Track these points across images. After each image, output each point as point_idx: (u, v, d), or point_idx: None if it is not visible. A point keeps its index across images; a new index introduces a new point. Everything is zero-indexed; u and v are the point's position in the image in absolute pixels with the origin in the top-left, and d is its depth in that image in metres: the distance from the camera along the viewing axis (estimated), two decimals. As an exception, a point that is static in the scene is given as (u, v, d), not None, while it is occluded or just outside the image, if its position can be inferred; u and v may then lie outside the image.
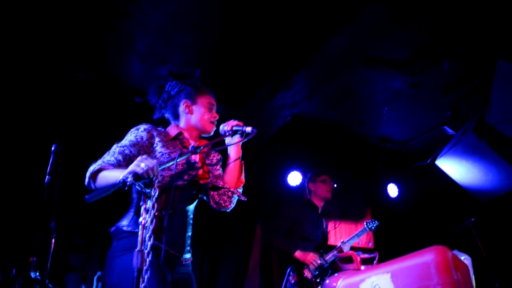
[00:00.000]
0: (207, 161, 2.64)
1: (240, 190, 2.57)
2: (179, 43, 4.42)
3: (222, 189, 2.52)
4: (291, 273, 2.91)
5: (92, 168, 2.17)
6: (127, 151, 2.28)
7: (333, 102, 5.40)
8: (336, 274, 2.36)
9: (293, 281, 3.02)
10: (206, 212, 2.97)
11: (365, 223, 4.99)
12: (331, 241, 6.41)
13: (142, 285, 1.81)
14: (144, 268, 1.84)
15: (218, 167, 2.66)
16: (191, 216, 2.51)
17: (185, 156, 2.25)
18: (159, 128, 2.53)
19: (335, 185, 4.86)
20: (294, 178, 6.23)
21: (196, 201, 2.55)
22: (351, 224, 6.77)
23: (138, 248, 1.85)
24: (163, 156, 2.33)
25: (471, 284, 1.79)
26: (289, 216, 4.58)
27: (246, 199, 2.58)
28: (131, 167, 1.92)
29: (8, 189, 4.49)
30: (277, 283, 5.33)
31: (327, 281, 2.12)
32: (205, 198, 2.61)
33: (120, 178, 1.87)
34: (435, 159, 5.81)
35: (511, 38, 3.92)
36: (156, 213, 2.27)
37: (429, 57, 4.37)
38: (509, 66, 3.79)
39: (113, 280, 2.20)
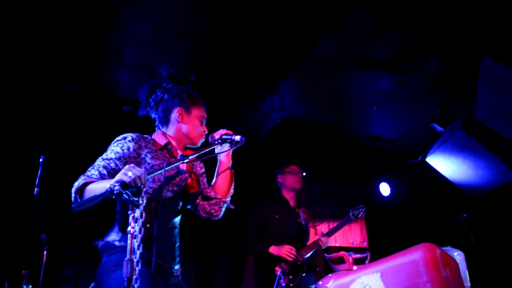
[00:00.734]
0: (194, 170, 2.64)
1: (229, 199, 2.57)
2: (166, 53, 4.43)
3: (214, 199, 2.52)
4: (281, 276, 2.89)
5: (76, 184, 2.14)
6: (112, 165, 2.24)
7: (321, 104, 5.41)
8: (329, 275, 2.35)
9: (283, 284, 3.00)
10: (199, 219, 2.97)
11: (350, 211, 4.61)
12: (331, 243, 6.41)
13: (135, 293, 1.80)
14: (134, 277, 1.83)
15: (203, 176, 2.66)
16: (178, 227, 2.51)
17: (173, 165, 2.24)
18: (145, 136, 2.51)
19: (304, 174, 4.66)
20: (286, 181, 6.20)
21: (183, 212, 2.55)
22: (345, 225, 6.76)
23: (127, 257, 1.84)
24: (153, 168, 2.30)
25: (460, 280, 1.80)
26: (256, 215, 4.40)
27: (234, 207, 2.59)
28: (118, 175, 1.91)
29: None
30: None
31: (320, 283, 2.12)
32: (191, 208, 2.60)
33: (107, 187, 1.86)
34: (425, 156, 5.85)
35: (495, 35, 3.96)
36: (148, 225, 2.29)
37: (415, 56, 4.40)
38: (494, 62, 3.83)
39: None
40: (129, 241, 1.87)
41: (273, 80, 4.45)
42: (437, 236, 5.94)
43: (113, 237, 2.29)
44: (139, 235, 1.89)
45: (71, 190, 2.15)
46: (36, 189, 3.21)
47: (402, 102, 5.55)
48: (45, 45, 4.23)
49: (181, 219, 2.55)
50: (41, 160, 3.28)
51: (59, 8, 3.78)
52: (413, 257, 1.67)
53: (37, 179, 3.24)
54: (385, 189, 6.74)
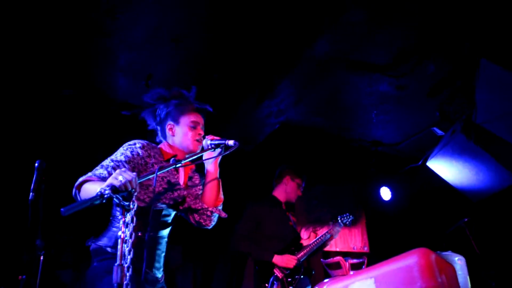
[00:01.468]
0: (190, 183, 2.63)
1: (220, 208, 2.54)
2: (161, 56, 4.42)
3: (201, 210, 2.50)
4: (274, 282, 2.84)
5: (80, 179, 2.15)
6: (121, 167, 2.24)
7: (320, 108, 5.38)
8: (324, 281, 2.32)
9: None
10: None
11: (338, 218, 4.67)
12: (328, 247, 6.37)
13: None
14: (125, 282, 1.81)
15: (199, 187, 2.64)
16: (167, 237, 2.52)
17: (166, 170, 2.23)
18: (153, 145, 2.52)
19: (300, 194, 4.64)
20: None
21: (173, 223, 2.54)
22: (345, 229, 6.73)
23: (117, 263, 1.82)
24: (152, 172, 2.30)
25: (457, 286, 1.77)
26: (250, 217, 4.32)
27: (226, 216, 2.56)
28: (109, 179, 1.88)
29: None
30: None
31: (315, 288, 2.11)
32: (184, 216, 2.59)
33: (98, 191, 1.84)
34: (426, 160, 5.81)
35: (493, 38, 3.93)
36: (139, 233, 2.28)
37: (413, 59, 4.37)
38: (492, 65, 3.79)
39: None
40: (119, 246, 1.85)
41: (270, 84, 4.43)
42: (438, 240, 5.90)
43: (105, 241, 2.28)
44: (129, 240, 1.86)
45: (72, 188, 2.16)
46: (31, 193, 3.19)
47: (401, 106, 5.53)
48: (41, 51, 4.24)
49: (171, 230, 2.55)
50: (36, 164, 3.26)
51: (54, 13, 3.78)
52: (408, 262, 1.63)
53: (32, 184, 3.21)
54: (386, 193, 6.71)
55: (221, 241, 5.93)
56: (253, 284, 4.16)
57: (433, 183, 5.93)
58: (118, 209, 2.32)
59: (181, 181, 2.53)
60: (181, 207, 2.51)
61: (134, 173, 1.92)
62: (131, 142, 2.41)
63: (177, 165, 2.20)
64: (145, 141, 2.44)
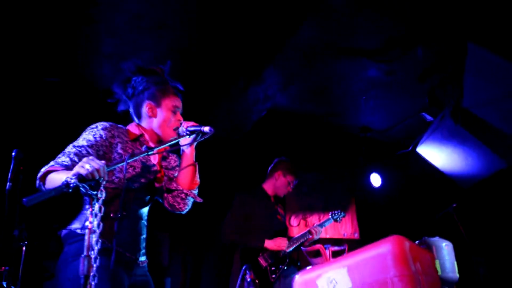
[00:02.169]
0: (165, 163, 2.56)
1: (195, 192, 2.48)
2: (145, 43, 4.35)
3: (175, 191, 2.44)
4: (247, 271, 2.81)
5: (43, 169, 2.08)
6: (84, 152, 2.17)
7: (308, 94, 5.33)
8: (304, 269, 2.27)
9: (249, 279, 2.92)
10: (186, 215, 2.88)
11: (330, 214, 4.81)
12: (322, 235, 6.36)
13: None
14: (91, 274, 1.75)
15: (175, 170, 2.57)
16: (146, 218, 2.46)
17: (136, 158, 2.17)
18: (119, 126, 2.43)
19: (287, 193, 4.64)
20: (275, 173, 6.14)
21: (150, 203, 2.48)
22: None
23: (84, 253, 1.76)
24: (122, 159, 2.23)
25: (434, 274, 1.72)
26: (239, 209, 4.29)
27: (202, 201, 2.50)
28: (76, 168, 1.82)
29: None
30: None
31: (296, 276, 2.04)
32: (160, 200, 2.53)
33: (63, 179, 1.78)
34: (416, 146, 5.77)
35: (481, 21, 3.86)
36: (111, 215, 2.23)
37: (402, 44, 4.30)
38: (480, 49, 3.73)
39: (69, 285, 2.11)
40: (86, 237, 1.79)
41: (255, 70, 4.35)
42: (427, 226, 5.89)
43: (76, 225, 2.23)
44: (97, 230, 1.80)
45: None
46: (8, 183, 3.14)
47: (391, 92, 5.48)
48: (24, 37, 4.14)
49: (149, 211, 2.48)
50: (13, 154, 3.20)
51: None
52: (381, 250, 1.58)
53: (9, 173, 3.16)
54: (376, 180, 6.67)
55: (211, 230, 5.91)
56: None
57: (423, 169, 5.90)
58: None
59: (154, 161, 2.46)
60: (157, 185, 2.44)
61: (103, 162, 1.86)
62: (93, 125, 2.32)
63: (149, 153, 2.13)
64: (108, 122, 2.36)
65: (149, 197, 2.44)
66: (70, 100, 4.85)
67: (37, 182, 2.07)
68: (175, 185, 2.44)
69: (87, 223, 1.80)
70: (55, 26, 4.07)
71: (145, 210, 2.45)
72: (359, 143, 6.42)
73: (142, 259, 2.39)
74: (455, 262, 4.47)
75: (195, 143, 2.43)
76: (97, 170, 1.81)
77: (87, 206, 1.83)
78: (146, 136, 2.46)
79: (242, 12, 3.89)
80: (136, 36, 4.23)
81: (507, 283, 5.57)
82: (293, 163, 4.68)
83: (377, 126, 6.21)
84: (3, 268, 3.87)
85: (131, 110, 2.53)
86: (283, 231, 4.34)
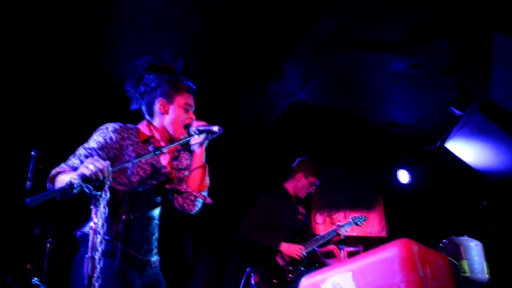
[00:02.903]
0: (176, 163, 2.55)
1: (205, 193, 2.45)
2: (166, 42, 4.34)
3: (185, 193, 2.42)
4: (251, 274, 2.76)
5: (53, 171, 2.10)
6: (94, 154, 2.18)
7: (331, 88, 5.23)
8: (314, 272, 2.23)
9: (253, 282, 2.87)
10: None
11: (350, 218, 4.75)
12: (348, 233, 6.26)
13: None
14: (95, 275, 1.75)
15: (187, 170, 2.55)
16: (158, 218, 2.46)
17: (143, 158, 2.16)
18: (129, 126, 2.42)
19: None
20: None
21: (163, 204, 2.47)
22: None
23: (89, 254, 1.76)
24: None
25: (444, 279, 1.64)
26: (261, 207, 4.25)
27: (212, 202, 2.47)
28: (80, 169, 1.82)
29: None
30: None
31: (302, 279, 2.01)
32: (170, 198, 2.52)
33: (67, 180, 1.78)
34: (444, 141, 5.60)
35: (508, 10, 3.67)
36: (124, 216, 2.23)
37: (425, 36, 4.15)
38: (507, 39, 3.55)
39: (82, 286, 2.12)
40: (90, 238, 1.79)
41: (274, 65, 4.29)
42: (457, 224, 5.70)
43: (87, 228, 2.24)
44: (101, 231, 1.80)
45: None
46: (28, 182, 3.20)
47: (417, 85, 5.31)
48: (48, 38, 4.21)
49: (161, 212, 2.48)
50: (32, 153, 3.26)
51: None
52: (388, 254, 1.51)
53: (29, 173, 3.22)
54: (403, 176, 6.52)
55: (234, 226, 5.90)
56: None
57: (452, 165, 5.72)
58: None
59: (165, 162, 2.45)
60: (168, 186, 2.43)
61: (107, 162, 1.85)
62: (103, 127, 2.32)
63: (156, 153, 2.11)
64: (119, 123, 2.35)
65: (160, 198, 2.45)
66: (94, 99, 4.90)
67: (47, 183, 2.08)
68: (184, 186, 2.42)
69: (91, 224, 1.80)
70: (78, 26, 4.11)
71: (157, 211, 2.45)
72: (386, 138, 6.28)
73: (154, 259, 2.40)
74: (485, 263, 4.29)
75: (205, 144, 2.41)
76: (101, 171, 1.80)
77: (92, 207, 1.84)
78: (157, 136, 2.46)
79: (261, 5, 3.83)
80: (157, 34, 4.23)
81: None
82: (316, 163, 4.58)
83: (404, 121, 6.05)
84: (29, 265, 3.98)
85: (143, 108, 2.52)
86: (302, 232, 4.29)
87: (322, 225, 6.38)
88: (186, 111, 2.48)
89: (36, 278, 4.00)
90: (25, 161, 3.34)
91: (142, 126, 2.47)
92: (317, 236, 4.39)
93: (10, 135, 4.53)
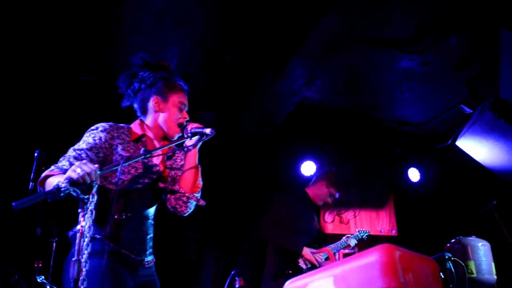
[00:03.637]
0: (170, 162, 2.54)
1: (198, 195, 2.44)
2: (170, 41, 4.34)
3: (178, 193, 2.41)
4: (236, 277, 2.74)
5: (43, 174, 2.11)
6: (83, 156, 2.19)
7: (339, 87, 5.17)
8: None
9: (237, 286, 2.85)
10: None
11: (357, 230, 4.87)
12: (352, 230, 6.23)
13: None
14: (81, 278, 1.76)
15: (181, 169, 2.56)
16: (152, 218, 2.46)
17: (133, 161, 2.16)
18: (120, 125, 2.43)
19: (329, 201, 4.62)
20: (308, 168, 6.07)
21: (157, 203, 2.47)
22: (372, 212, 6.53)
23: (75, 258, 1.77)
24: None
25: (431, 286, 1.60)
26: (284, 208, 4.31)
27: (204, 204, 2.46)
28: (68, 172, 1.83)
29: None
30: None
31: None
32: (164, 198, 2.52)
33: (55, 184, 1.79)
34: (455, 139, 5.51)
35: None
36: (116, 216, 2.24)
37: (433, 33, 4.07)
38: (514, 36, 3.45)
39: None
40: (77, 240, 1.80)
41: (279, 64, 4.25)
42: (467, 224, 5.60)
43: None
44: (88, 234, 1.81)
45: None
46: (31, 183, 3.24)
47: (427, 83, 5.23)
48: (56, 39, 4.25)
49: (155, 211, 2.48)
50: (36, 154, 3.30)
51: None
52: (368, 260, 1.48)
53: (32, 173, 3.26)
54: (414, 174, 6.44)
55: (242, 226, 5.91)
56: (274, 269, 4.15)
57: (464, 163, 5.62)
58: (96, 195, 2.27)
59: (157, 160, 2.45)
60: (161, 184, 2.44)
61: (96, 165, 1.86)
62: (93, 127, 2.32)
63: (147, 156, 2.12)
64: (109, 123, 2.35)
65: (154, 197, 2.44)
66: (101, 99, 4.95)
67: (38, 187, 2.09)
68: (177, 187, 2.42)
69: (78, 227, 1.81)
70: (85, 27, 4.14)
71: (151, 210, 2.45)
72: (396, 137, 6.21)
73: (149, 259, 2.40)
74: (493, 263, 4.20)
75: (198, 146, 2.40)
76: (89, 174, 1.81)
77: (79, 210, 1.86)
78: (150, 134, 2.46)
79: (266, 1, 3.81)
80: (159, 33, 4.24)
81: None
82: (341, 176, 4.69)
83: (414, 119, 5.97)
84: (36, 263, 4.05)
85: (136, 105, 2.52)
86: (317, 238, 4.34)
87: (331, 223, 6.34)
88: (180, 110, 2.48)
89: (42, 276, 4.07)
90: (30, 162, 3.40)
91: (134, 125, 2.48)
92: (330, 245, 4.47)
93: (16, 136, 4.61)
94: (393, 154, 6.31)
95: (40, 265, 4.09)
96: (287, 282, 1.75)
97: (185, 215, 2.46)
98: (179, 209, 2.43)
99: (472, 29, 4.15)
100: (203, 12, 4.01)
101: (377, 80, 5.12)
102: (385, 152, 6.46)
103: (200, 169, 2.44)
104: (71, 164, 2.11)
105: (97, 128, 2.31)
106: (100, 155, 2.24)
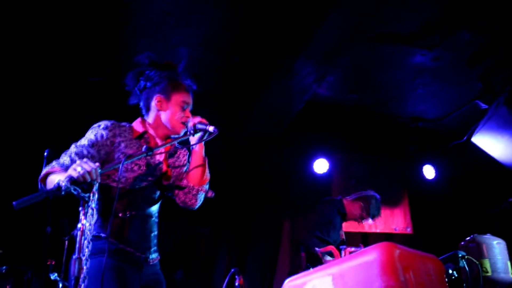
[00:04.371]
0: (173, 159, 2.54)
1: (206, 187, 2.44)
2: (176, 40, 4.34)
3: (186, 188, 2.42)
4: (236, 276, 2.72)
5: (44, 170, 2.12)
6: (85, 152, 2.20)
7: (350, 84, 5.12)
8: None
9: (237, 284, 2.83)
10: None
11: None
12: (366, 228, 6.16)
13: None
14: (82, 276, 1.77)
15: (185, 166, 2.55)
16: (156, 215, 2.45)
17: (135, 159, 2.16)
18: (122, 124, 2.44)
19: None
20: (320, 166, 6.03)
21: (161, 201, 2.47)
22: (387, 210, 6.44)
23: (75, 256, 1.78)
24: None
25: (433, 285, 1.56)
26: (321, 218, 4.39)
27: (213, 195, 2.46)
28: (69, 171, 1.84)
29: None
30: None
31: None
32: (172, 196, 2.52)
33: (55, 182, 1.80)
34: (471, 136, 5.42)
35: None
36: (120, 214, 2.25)
37: (443, 28, 4.00)
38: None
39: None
40: (78, 239, 1.81)
41: (287, 62, 4.22)
42: (483, 222, 5.50)
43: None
44: (88, 232, 1.81)
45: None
46: (40, 183, 3.26)
47: (440, 78, 5.14)
48: (67, 41, 4.29)
49: (159, 209, 2.48)
50: (45, 154, 3.33)
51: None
52: (367, 258, 1.45)
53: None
54: (429, 171, 6.34)
55: (254, 223, 5.90)
56: (288, 264, 4.17)
57: (479, 160, 5.52)
58: (100, 192, 2.27)
59: (160, 158, 2.45)
60: (164, 182, 2.44)
61: (96, 164, 1.86)
62: (95, 125, 2.33)
63: (149, 154, 2.11)
64: (111, 121, 2.35)
65: (158, 194, 2.43)
66: (111, 100, 4.99)
67: (39, 183, 2.10)
68: (185, 182, 2.42)
69: (79, 225, 1.81)
70: (94, 29, 4.18)
71: (155, 208, 2.44)
72: (410, 133, 6.12)
73: (153, 257, 2.39)
74: (509, 262, 4.10)
75: (202, 142, 2.40)
76: (89, 173, 1.81)
77: (80, 208, 1.86)
78: (151, 132, 2.46)
79: (269, 5, 3.79)
80: (164, 34, 4.25)
81: None
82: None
83: (428, 115, 5.87)
84: (49, 261, 4.10)
85: (141, 103, 2.53)
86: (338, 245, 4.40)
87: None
88: (183, 109, 2.47)
89: (55, 274, 4.12)
90: (40, 161, 3.44)
91: (136, 123, 2.48)
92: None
93: (27, 136, 4.66)
94: (407, 151, 6.23)
95: (53, 263, 4.15)
96: (286, 281, 1.73)
97: (195, 208, 2.46)
98: (188, 203, 2.43)
99: (485, 24, 4.06)
100: (205, 13, 4.00)
101: (389, 76, 5.06)
102: (398, 149, 6.38)
103: (207, 161, 2.44)
104: (72, 160, 2.13)
105: (99, 126, 2.32)
106: (102, 152, 2.24)
